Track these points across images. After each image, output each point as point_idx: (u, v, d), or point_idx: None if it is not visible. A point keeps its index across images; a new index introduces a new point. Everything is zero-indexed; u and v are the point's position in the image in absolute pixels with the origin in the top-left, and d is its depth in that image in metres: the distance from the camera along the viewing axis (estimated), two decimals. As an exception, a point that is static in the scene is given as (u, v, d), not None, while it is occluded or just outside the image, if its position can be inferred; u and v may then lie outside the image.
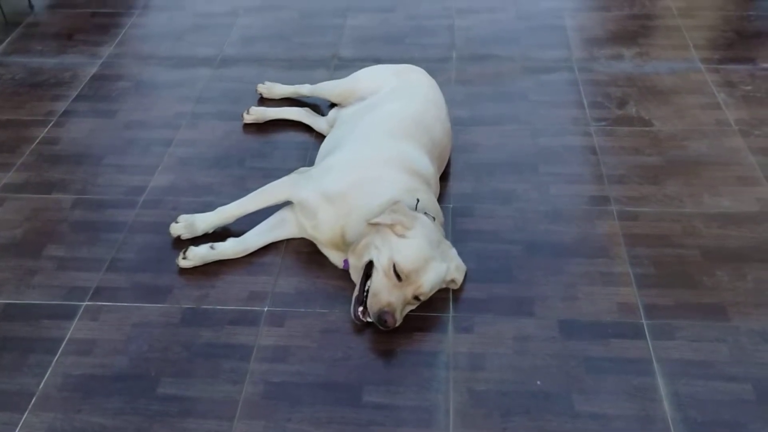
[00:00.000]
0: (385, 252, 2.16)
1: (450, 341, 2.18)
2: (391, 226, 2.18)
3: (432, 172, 2.54)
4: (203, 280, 2.39)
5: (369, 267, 2.20)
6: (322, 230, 2.38)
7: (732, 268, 2.39)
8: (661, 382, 2.04)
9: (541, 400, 2.01)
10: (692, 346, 2.14)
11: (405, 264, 2.13)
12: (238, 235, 2.49)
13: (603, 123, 3.07)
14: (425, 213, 2.29)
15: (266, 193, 2.51)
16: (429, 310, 2.26)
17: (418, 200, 2.32)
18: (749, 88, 3.26)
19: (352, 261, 2.30)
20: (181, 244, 2.49)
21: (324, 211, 2.35)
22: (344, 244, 2.35)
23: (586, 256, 2.44)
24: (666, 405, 1.99)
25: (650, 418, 1.97)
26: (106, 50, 3.66)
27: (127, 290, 2.36)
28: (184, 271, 2.41)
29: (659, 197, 2.68)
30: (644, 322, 2.22)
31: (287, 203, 2.50)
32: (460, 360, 2.13)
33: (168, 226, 2.53)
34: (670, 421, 1.96)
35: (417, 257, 2.15)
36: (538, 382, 2.06)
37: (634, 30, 3.74)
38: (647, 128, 3.04)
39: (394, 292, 2.13)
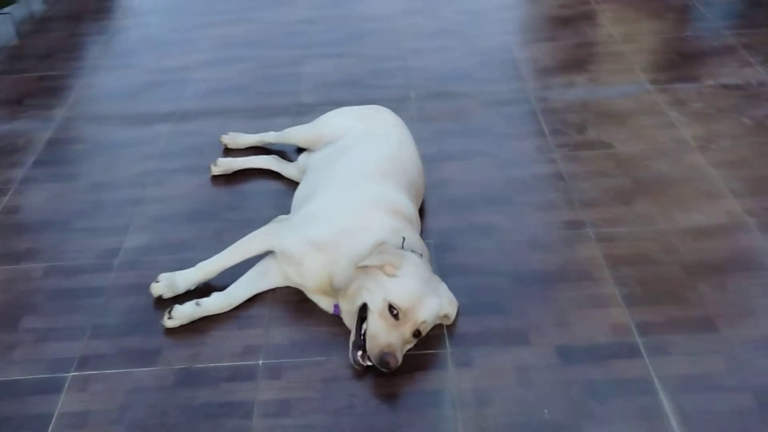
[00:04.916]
0: (378, 293, 2.14)
1: (452, 378, 2.17)
2: (380, 267, 2.17)
3: (413, 210, 2.55)
4: (192, 338, 2.32)
5: (363, 310, 2.18)
6: (310, 277, 2.36)
7: (713, 280, 2.45)
8: (664, 399, 2.07)
9: (553, 430, 2.01)
10: (689, 360, 2.18)
11: (400, 302, 2.12)
12: (221, 289, 2.44)
13: (566, 149, 3.14)
14: (412, 251, 2.29)
15: (246, 244, 2.47)
16: (426, 348, 2.25)
17: (404, 239, 2.32)
18: (699, 105, 3.40)
19: (344, 306, 2.28)
20: (164, 303, 2.42)
21: (311, 259, 2.32)
22: (332, 290, 2.33)
23: (571, 281, 2.48)
24: (673, 422, 2.01)
25: (660, 435, 1.99)
26: (59, 113, 3.58)
27: (114, 356, 2.27)
28: (171, 331, 2.34)
29: (632, 217, 2.75)
30: (639, 340, 2.25)
31: (269, 253, 2.47)
32: (465, 397, 2.11)
33: (148, 286, 2.45)
34: (679, 436, 1.99)
35: (411, 294, 2.14)
36: (546, 412, 2.05)
37: (581, 58, 3.87)
38: (609, 150, 3.12)
39: (393, 333, 2.11)
